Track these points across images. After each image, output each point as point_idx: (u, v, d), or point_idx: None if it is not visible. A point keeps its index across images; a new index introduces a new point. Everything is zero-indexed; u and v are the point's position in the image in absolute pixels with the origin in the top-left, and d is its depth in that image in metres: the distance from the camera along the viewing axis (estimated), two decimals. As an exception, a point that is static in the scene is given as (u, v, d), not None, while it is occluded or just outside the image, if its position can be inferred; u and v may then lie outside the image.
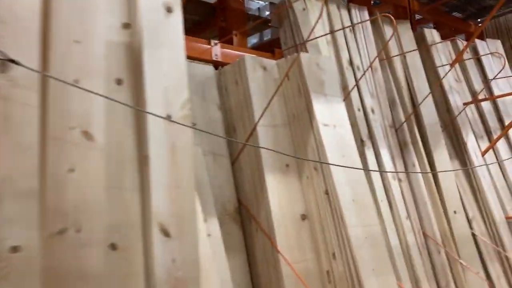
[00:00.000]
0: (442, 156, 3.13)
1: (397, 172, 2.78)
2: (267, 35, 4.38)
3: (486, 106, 3.76)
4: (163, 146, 1.46)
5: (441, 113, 3.53)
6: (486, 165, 3.27)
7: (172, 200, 1.45)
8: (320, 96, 2.44)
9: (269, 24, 3.61)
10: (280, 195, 2.29)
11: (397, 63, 3.30)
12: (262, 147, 2.22)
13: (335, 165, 2.18)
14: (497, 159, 3.48)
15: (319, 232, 2.30)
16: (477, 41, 4.06)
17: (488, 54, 3.48)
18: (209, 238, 2.08)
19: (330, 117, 2.42)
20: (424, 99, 3.04)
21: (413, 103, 3.26)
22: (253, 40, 4.59)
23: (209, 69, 2.60)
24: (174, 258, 1.42)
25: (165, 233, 1.42)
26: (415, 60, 3.39)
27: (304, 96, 2.45)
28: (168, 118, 1.48)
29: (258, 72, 2.51)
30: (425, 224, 2.86)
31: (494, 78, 3.56)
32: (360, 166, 2.38)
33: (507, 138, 3.70)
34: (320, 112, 2.38)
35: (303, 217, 2.34)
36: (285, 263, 2.13)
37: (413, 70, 3.34)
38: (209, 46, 2.63)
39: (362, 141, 2.74)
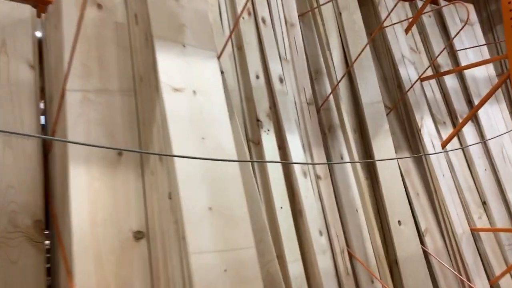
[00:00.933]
0: (385, 146, 2.28)
1: (310, 164, 1.92)
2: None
3: (453, 83, 2.92)
4: None
5: (391, 90, 2.69)
6: (445, 151, 2.42)
7: None
8: (173, 46, 1.57)
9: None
10: (96, 201, 1.42)
11: (329, 21, 2.44)
12: (59, 139, 1.35)
13: (169, 155, 1.31)
14: (463, 151, 2.63)
15: (161, 260, 1.44)
16: (444, 3, 3.23)
17: (449, 4, 2.64)
18: None
19: (187, 79, 1.55)
20: (354, 61, 2.18)
21: (350, 76, 2.41)
22: None
23: (20, 9, 1.73)
24: None
25: None
26: (354, 18, 2.53)
27: (151, 47, 1.58)
28: None
29: (88, 12, 1.64)
30: (353, 241, 2.00)
31: (454, 38, 2.72)
32: (232, 152, 1.51)
33: (478, 124, 2.86)
34: (169, 70, 1.52)
35: (138, 236, 1.47)
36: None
37: (351, 31, 2.48)
38: (24, -23, 1.76)
39: (258, 120, 1.88)
